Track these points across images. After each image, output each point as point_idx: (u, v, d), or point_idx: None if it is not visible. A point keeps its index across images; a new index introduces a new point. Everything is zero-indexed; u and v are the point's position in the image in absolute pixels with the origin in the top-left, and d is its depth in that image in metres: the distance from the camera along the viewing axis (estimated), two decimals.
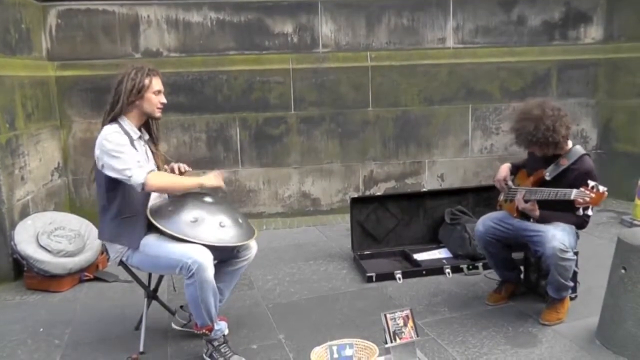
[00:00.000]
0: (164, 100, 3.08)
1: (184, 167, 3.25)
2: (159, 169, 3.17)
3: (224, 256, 3.12)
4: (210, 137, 5.86)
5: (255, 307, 3.78)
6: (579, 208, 3.03)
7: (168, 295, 3.88)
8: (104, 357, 3.16)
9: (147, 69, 3.01)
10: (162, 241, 2.90)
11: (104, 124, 2.99)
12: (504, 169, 3.61)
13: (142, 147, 3.09)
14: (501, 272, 3.72)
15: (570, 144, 3.32)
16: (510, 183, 3.56)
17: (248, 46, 5.83)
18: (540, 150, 3.26)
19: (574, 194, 3.03)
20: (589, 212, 3.05)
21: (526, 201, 3.28)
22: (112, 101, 2.99)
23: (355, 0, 5.93)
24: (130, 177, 2.81)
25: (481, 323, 3.40)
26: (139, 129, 3.10)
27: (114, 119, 2.98)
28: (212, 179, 3.05)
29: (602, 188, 2.98)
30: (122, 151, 2.85)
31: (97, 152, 2.90)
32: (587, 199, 2.97)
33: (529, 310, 3.53)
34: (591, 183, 3.00)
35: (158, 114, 3.06)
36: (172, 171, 3.21)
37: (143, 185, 2.82)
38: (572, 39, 6.35)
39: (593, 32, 6.38)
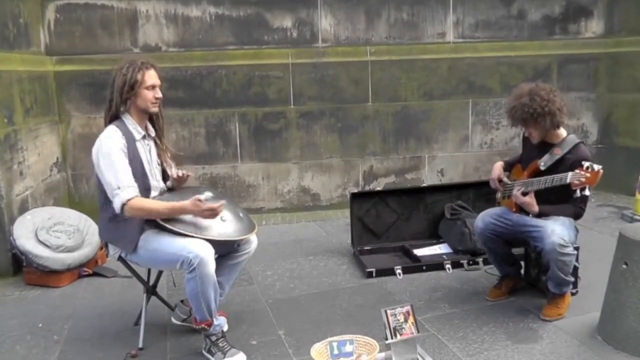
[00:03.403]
0: (159, 95, 3.00)
1: (184, 174, 3.16)
2: (163, 166, 3.16)
3: (225, 250, 3.11)
4: (210, 132, 5.84)
5: (254, 303, 3.77)
6: (575, 190, 3.01)
7: (167, 291, 3.87)
8: (103, 352, 3.15)
9: (139, 62, 2.94)
10: (163, 236, 2.88)
11: (105, 123, 2.97)
12: (497, 167, 3.61)
13: (146, 147, 3.06)
14: (501, 268, 3.71)
15: (564, 133, 3.32)
16: (505, 179, 3.55)
17: (247, 41, 5.81)
18: (536, 127, 3.23)
19: (569, 177, 3.02)
20: (587, 192, 3.01)
21: (524, 194, 3.27)
22: (109, 99, 2.96)
23: None
24: (112, 199, 2.82)
25: (482, 319, 3.39)
26: (145, 127, 3.07)
27: (115, 118, 2.95)
28: (198, 211, 2.85)
29: (596, 167, 2.95)
30: (112, 165, 2.81)
31: (93, 154, 2.89)
32: (583, 179, 2.95)
33: (529, 305, 3.52)
34: (585, 164, 2.98)
35: (153, 109, 3.01)
36: (175, 177, 3.16)
37: (120, 211, 2.82)
38: (572, 33, 6.33)
39: (594, 26, 6.35)
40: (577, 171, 2.99)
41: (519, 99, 3.22)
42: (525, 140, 3.54)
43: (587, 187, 2.98)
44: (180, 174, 3.15)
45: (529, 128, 3.29)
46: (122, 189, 2.80)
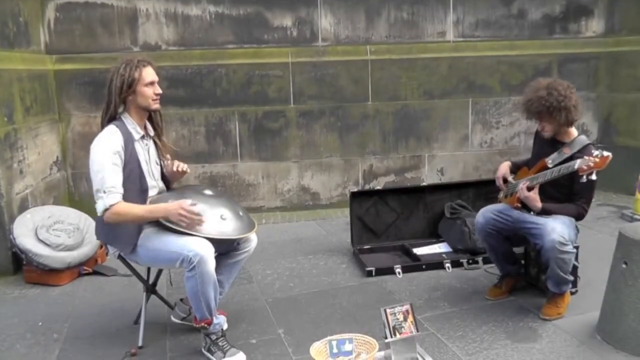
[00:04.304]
0: (159, 91, 2.99)
1: (183, 167, 3.15)
2: (162, 165, 3.16)
3: (225, 249, 3.12)
4: (209, 131, 5.84)
5: (254, 302, 3.77)
6: (582, 176, 3.01)
7: (167, 290, 3.86)
8: (102, 351, 3.15)
9: (136, 61, 2.93)
10: (163, 234, 2.89)
11: (102, 125, 2.95)
12: (504, 166, 3.63)
13: (145, 147, 3.05)
14: (502, 266, 3.70)
15: (575, 132, 3.33)
16: (510, 179, 3.56)
17: (247, 40, 5.81)
18: (550, 121, 3.24)
19: (577, 163, 3.01)
20: (593, 177, 3.01)
21: (529, 189, 3.26)
22: (107, 100, 2.94)
23: None
24: (96, 202, 2.82)
25: (481, 318, 3.39)
26: (145, 126, 3.06)
27: (114, 118, 2.94)
28: (169, 213, 2.83)
29: (606, 152, 2.96)
30: (102, 170, 2.80)
31: (90, 152, 2.89)
32: (591, 164, 2.95)
33: (529, 304, 3.52)
34: (595, 152, 2.99)
35: (154, 105, 3.00)
36: (171, 168, 3.16)
37: (102, 216, 2.83)
38: (573, 32, 6.32)
39: (594, 26, 6.35)
40: (585, 157, 3.00)
41: (536, 92, 3.24)
42: (535, 142, 3.55)
43: (594, 172, 2.97)
44: (179, 169, 3.13)
45: (543, 122, 3.30)
46: (108, 193, 2.79)
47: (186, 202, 2.83)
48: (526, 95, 3.32)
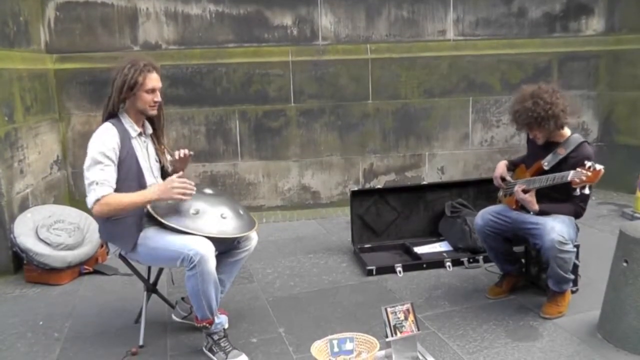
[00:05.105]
0: (158, 99, 2.99)
1: (184, 152, 3.17)
2: (161, 163, 3.17)
3: (225, 247, 3.12)
4: (210, 130, 5.84)
5: (255, 301, 3.77)
6: (575, 189, 3.01)
7: (168, 289, 3.87)
8: (103, 350, 3.15)
9: (142, 64, 2.92)
10: (163, 234, 2.89)
11: (103, 120, 2.97)
12: (501, 165, 3.62)
13: (143, 144, 3.06)
14: (502, 266, 3.70)
15: (568, 132, 3.32)
16: (508, 178, 3.56)
17: (247, 39, 5.81)
18: (540, 130, 3.23)
19: (570, 175, 3.02)
20: (586, 191, 3.01)
21: (525, 192, 3.27)
22: (108, 96, 2.95)
23: None
24: (87, 195, 2.83)
25: (482, 316, 3.39)
26: (142, 124, 3.07)
27: (112, 116, 2.96)
28: (162, 192, 2.83)
29: (598, 166, 2.96)
30: (96, 164, 2.82)
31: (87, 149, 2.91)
32: (584, 178, 2.95)
33: (529, 303, 3.52)
34: (588, 163, 2.98)
35: (151, 112, 3.00)
36: (175, 159, 3.19)
37: (91, 209, 2.84)
38: (573, 30, 6.32)
39: (594, 24, 6.35)
40: (578, 169, 3.00)
41: (522, 102, 3.22)
42: (530, 140, 3.55)
43: (588, 185, 2.98)
44: (182, 154, 3.16)
45: (533, 131, 3.29)
46: (100, 185, 2.80)
47: (173, 177, 2.88)
48: (512, 107, 3.31)
